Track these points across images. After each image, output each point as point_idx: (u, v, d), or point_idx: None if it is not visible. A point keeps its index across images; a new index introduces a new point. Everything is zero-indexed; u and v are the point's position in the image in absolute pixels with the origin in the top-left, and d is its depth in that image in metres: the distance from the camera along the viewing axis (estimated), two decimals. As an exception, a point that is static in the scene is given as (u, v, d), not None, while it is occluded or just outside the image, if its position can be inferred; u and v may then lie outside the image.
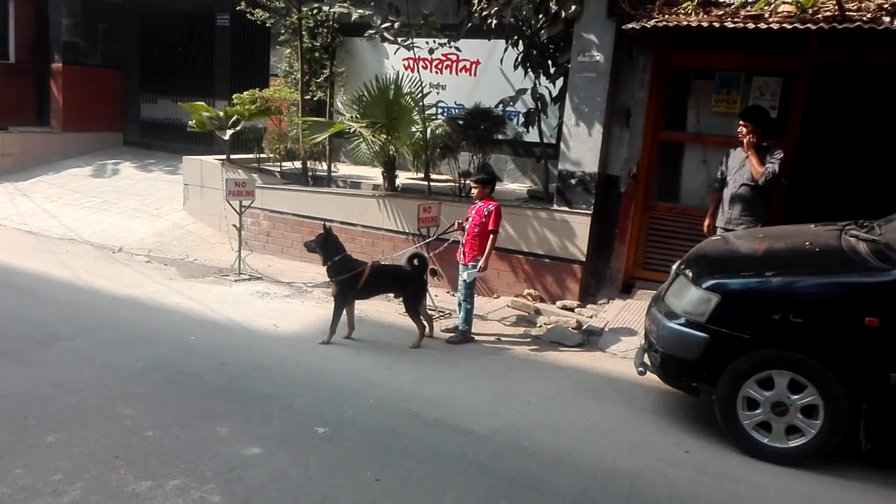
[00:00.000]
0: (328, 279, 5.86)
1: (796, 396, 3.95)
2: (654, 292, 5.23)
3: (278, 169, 9.51)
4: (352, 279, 5.72)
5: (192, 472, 3.63)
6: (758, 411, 4.07)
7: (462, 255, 6.05)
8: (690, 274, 4.46)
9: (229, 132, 9.36)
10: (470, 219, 6.03)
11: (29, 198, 10.93)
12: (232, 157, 9.68)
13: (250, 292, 7.12)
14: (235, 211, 7.85)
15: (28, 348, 5.19)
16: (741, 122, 5.85)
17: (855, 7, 5.87)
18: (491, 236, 5.89)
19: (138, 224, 9.61)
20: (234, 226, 7.90)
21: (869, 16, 5.69)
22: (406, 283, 5.87)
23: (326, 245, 5.81)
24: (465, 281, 5.96)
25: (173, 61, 13.39)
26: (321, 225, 6.25)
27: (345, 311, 5.79)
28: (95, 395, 4.48)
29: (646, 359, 4.66)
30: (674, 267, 4.89)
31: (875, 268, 3.94)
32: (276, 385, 4.82)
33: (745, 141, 5.75)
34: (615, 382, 5.20)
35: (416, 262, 5.91)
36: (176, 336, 5.66)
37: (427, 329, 5.93)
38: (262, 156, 9.93)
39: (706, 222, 6.18)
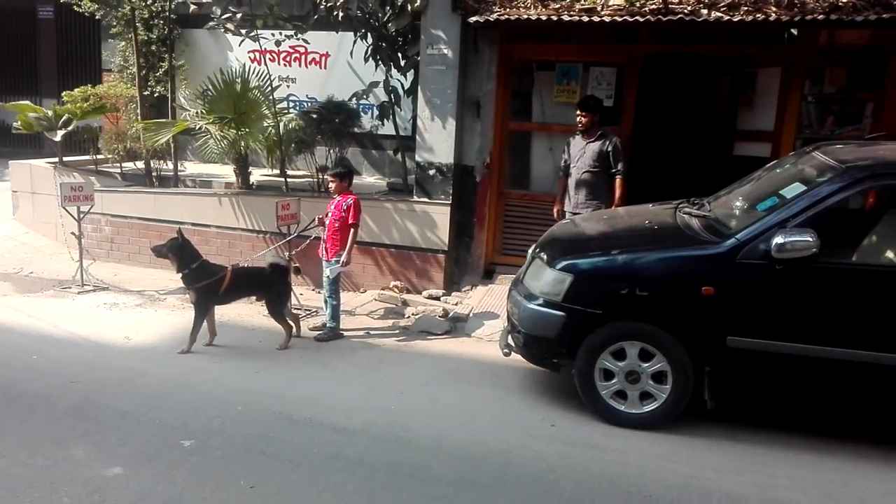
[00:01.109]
0: (185, 287, 5.57)
1: (647, 364, 4.25)
2: (514, 276, 5.43)
3: (119, 170, 8.90)
4: (212, 285, 5.48)
5: (48, 501, 3.37)
6: (613, 381, 4.33)
7: (325, 252, 5.97)
8: (545, 256, 4.66)
9: (60, 133, 8.63)
10: (329, 214, 5.95)
11: None
12: (66, 159, 8.94)
13: (96, 304, 6.61)
14: (73, 217, 7.24)
15: None
16: (578, 112, 6.23)
17: (678, 0, 6.37)
18: (352, 230, 5.85)
19: (-40, 237, 8.65)
20: (73, 233, 7.29)
21: (689, 8, 6.20)
22: (268, 285, 5.71)
23: (181, 251, 5.51)
24: (328, 277, 5.89)
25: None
26: (171, 228, 5.96)
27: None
28: (-78, 430, 4.01)
29: (510, 340, 4.82)
30: (529, 251, 5.10)
31: (707, 241, 4.30)
32: (133, 400, 4.52)
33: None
34: (483, 365, 5.35)
35: (276, 265, 5.77)
36: (16, 356, 5.17)
37: (294, 329, 5.81)
38: (99, 157, 9.24)
39: (556, 208, 6.49)
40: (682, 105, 8.52)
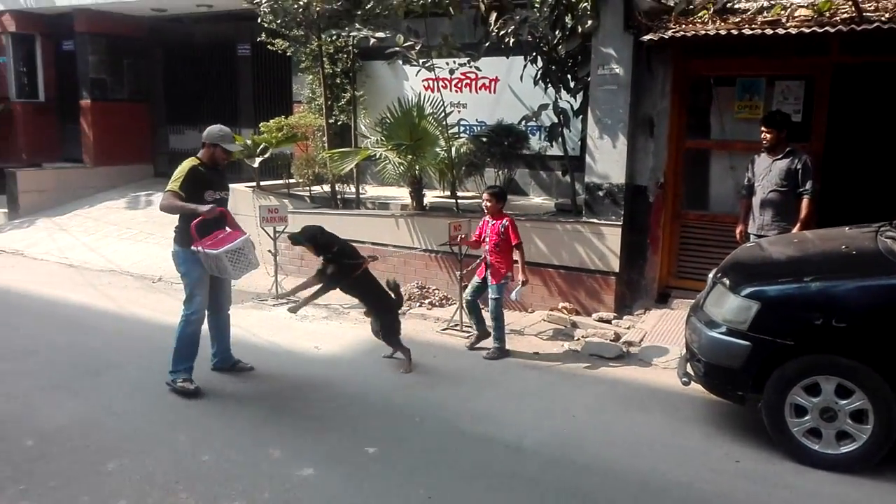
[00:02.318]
0: (324, 265, 5.63)
1: (844, 402, 3.91)
2: (691, 301, 5.22)
3: (308, 193, 9.61)
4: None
5: (250, 495, 3.70)
6: (806, 418, 4.03)
7: (489, 275, 5.95)
8: (728, 282, 4.45)
9: (258, 160, 9.48)
10: (486, 238, 5.97)
11: (67, 232, 11.13)
12: (262, 183, 9.81)
13: (289, 316, 7.17)
14: (269, 237, 7.95)
15: (80, 378, 5.29)
16: (763, 128, 5.88)
17: (872, 7, 5.86)
18: (519, 250, 5.91)
19: (174, 253, 9.74)
20: (269, 251, 8.00)
21: (888, 15, 5.68)
22: (388, 301, 5.75)
23: (315, 240, 5.68)
24: (496, 299, 5.92)
25: (198, 92, 13.62)
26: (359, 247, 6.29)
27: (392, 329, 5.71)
28: (150, 422, 4.57)
29: (688, 368, 4.64)
30: (710, 275, 4.88)
31: (916, 269, 3.91)
32: (322, 406, 4.87)
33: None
34: (658, 393, 5.18)
35: (397, 285, 5.94)
36: (222, 362, 5.74)
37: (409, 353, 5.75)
38: (290, 181, 10.04)
39: (738, 229, 6.16)
40: (881, 119, 7.78)
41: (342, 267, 5.58)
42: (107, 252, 9.95)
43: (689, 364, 4.65)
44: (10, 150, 13.91)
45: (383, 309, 5.73)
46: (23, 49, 13.92)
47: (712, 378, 4.40)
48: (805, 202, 5.73)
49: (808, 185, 5.71)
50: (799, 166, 5.73)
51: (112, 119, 13.56)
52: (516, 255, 5.94)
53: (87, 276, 8.88)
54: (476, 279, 6.13)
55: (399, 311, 5.87)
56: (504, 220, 5.95)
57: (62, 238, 10.81)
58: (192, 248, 4.85)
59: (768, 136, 5.83)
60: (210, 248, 4.77)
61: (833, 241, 4.81)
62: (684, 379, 4.62)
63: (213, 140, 5.17)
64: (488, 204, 6.01)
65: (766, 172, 5.87)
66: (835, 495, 3.76)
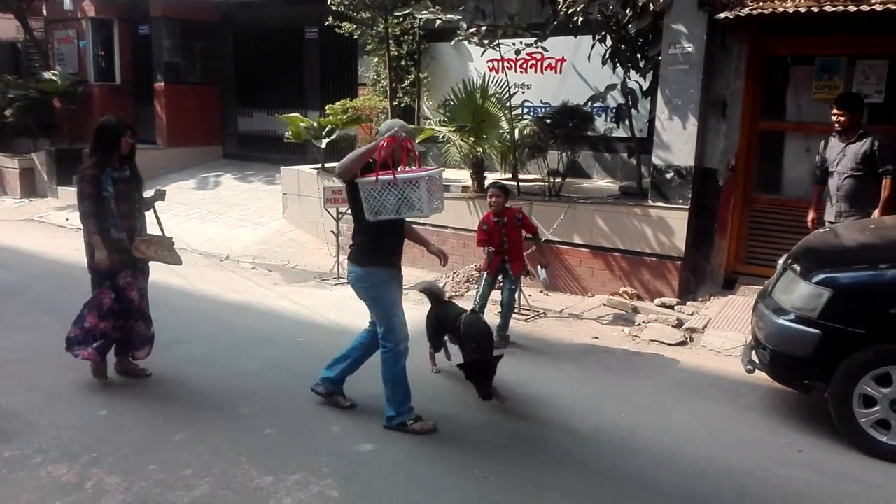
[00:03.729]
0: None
1: (917, 393, 3.79)
2: (759, 288, 5.10)
3: (372, 176, 9.76)
4: None
5: (310, 468, 3.83)
6: (875, 409, 3.92)
7: (508, 267, 5.87)
8: (799, 268, 4.34)
9: (325, 141, 9.69)
10: (504, 237, 5.80)
11: (140, 211, 11.64)
12: (326, 165, 10.03)
13: (350, 295, 7.18)
14: (333, 217, 8.15)
15: (152, 352, 5.56)
16: (835, 110, 5.67)
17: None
18: (536, 235, 6.03)
19: (242, 233, 10.09)
20: (332, 232, 8.20)
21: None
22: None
23: None
24: (514, 290, 5.96)
25: (267, 76, 13.96)
26: (419, 229, 6.33)
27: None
28: (216, 395, 4.78)
29: (753, 356, 4.55)
30: (780, 261, 4.77)
31: None
32: (378, 385, 4.93)
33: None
34: (720, 381, 5.10)
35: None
36: (285, 339, 5.95)
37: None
38: (353, 163, 10.20)
39: (810, 216, 5.96)
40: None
41: None
42: (177, 230, 10.19)
43: (754, 352, 4.56)
44: (88, 132, 14.54)
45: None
46: (101, 33, 14.54)
47: (778, 366, 4.32)
48: (885, 183, 5.49)
49: (888, 166, 5.48)
50: (874, 149, 5.50)
51: (184, 101, 14.06)
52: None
53: (159, 253, 9.29)
54: (487, 278, 5.95)
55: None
56: (517, 213, 5.88)
57: (137, 217, 11.31)
58: (368, 178, 4.02)
59: (842, 118, 5.61)
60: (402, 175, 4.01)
61: (913, 228, 4.62)
62: (749, 367, 4.54)
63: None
64: (498, 199, 5.74)
65: (840, 157, 5.65)
66: (905, 490, 3.65)
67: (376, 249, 4.27)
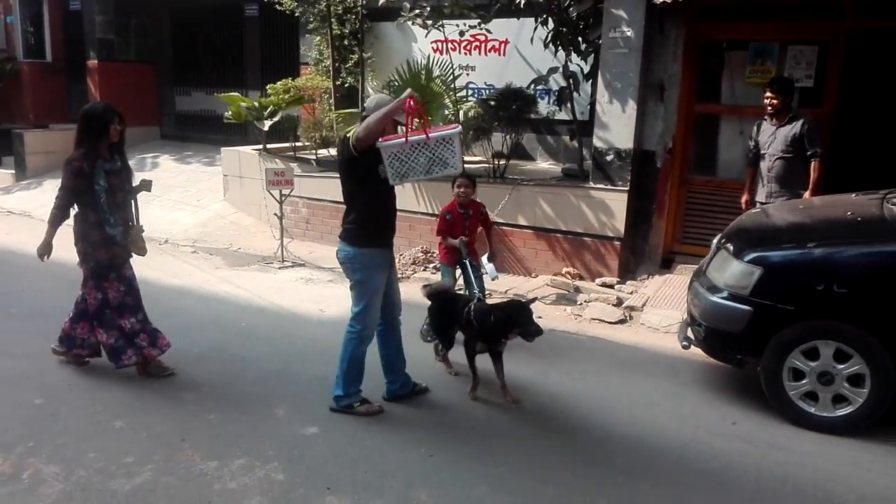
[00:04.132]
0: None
1: (842, 366, 3.98)
2: (695, 267, 5.27)
3: (314, 157, 9.64)
4: None
5: (255, 452, 3.80)
6: (804, 381, 4.10)
7: (467, 259, 5.51)
8: (732, 247, 4.49)
9: (268, 122, 9.49)
10: (467, 229, 5.50)
11: (74, 193, 11.23)
12: (268, 146, 9.85)
13: (294, 279, 7.29)
14: (276, 200, 8.03)
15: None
16: (768, 93, 5.85)
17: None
18: (490, 229, 5.71)
19: (182, 216, 9.85)
20: (276, 214, 8.08)
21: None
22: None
23: None
24: (483, 276, 5.52)
25: (205, 54, 13.59)
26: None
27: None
28: (157, 382, 4.68)
29: (689, 333, 4.71)
30: (714, 241, 4.93)
31: (919, 235, 3.93)
32: (327, 367, 4.91)
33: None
34: (658, 357, 5.27)
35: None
36: (228, 323, 5.86)
37: None
38: (297, 144, 10.07)
39: (743, 198, 6.16)
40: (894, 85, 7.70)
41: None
42: (115, 214, 10.06)
43: (689, 328, 4.72)
44: (17, 111, 13.99)
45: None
46: (30, 8, 13.90)
47: (712, 342, 4.47)
48: (814, 165, 5.71)
49: (817, 148, 5.69)
50: (803, 131, 5.70)
51: (119, 80, 13.53)
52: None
53: (95, 237, 9.00)
54: (447, 269, 5.62)
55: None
56: (481, 206, 5.62)
57: (70, 200, 10.92)
58: (394, 140, 3.91)
59: (774, 101, 5.80)
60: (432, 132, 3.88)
61: (838, 208, 4.83)
62: (684, 343, 4.70)
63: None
64: (467, 190, 5.40)
65: (772, 140, 5.85)
66: (828, 456, 3.85)
67: (378, 229, 4.16)
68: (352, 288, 4.29)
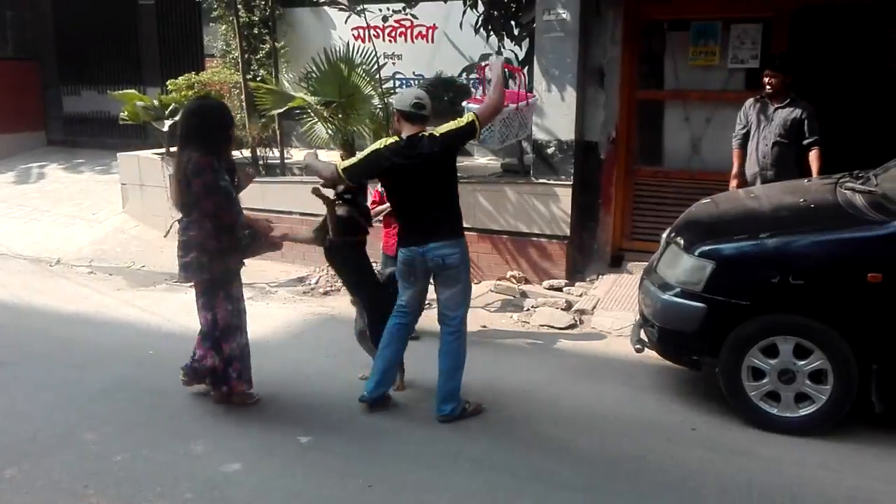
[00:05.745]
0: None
1: (803, 362, 4.12)
2: (646, 264, 5.39)
3: (225, 159, 9.45)
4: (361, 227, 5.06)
5: (170, 495, 3.69)
6: (764, 381, 4.22)
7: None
8: (682, 241, 4.61)
9: (168, 123, 9.25)
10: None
11: (-55, 211, 10.71)
12: (171, 149, 9.58)
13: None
14: (183, 210, 7.81)
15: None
16: (768, 72, 5.96)
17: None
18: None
19: (75, 232, 9.49)
20: (183, 226, 7.86)
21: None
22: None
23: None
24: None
25: (95, 48, 13.15)
26: (279, 218, 6.30)
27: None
28: (55, 423, 4.48)
29: (642, 335, 4.81)
30: (664, 235, 5.04)
31: (873, 221, 4.12)
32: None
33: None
34: (612, 362, 5.36)
35: None
36: (133, 352, 5.65)
37: None
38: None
39: (733, 183, 6.24)
40: (842, 64, 8.06)
41: (354, 221, 4.85)
42: (-6, 232, 9.64)
43: (642, 330, 4.82)
44: None
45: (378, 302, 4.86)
46: None
47: (666, 343, 4.58)
48: (814, 154, 5.87)
49: (816, 136, 5.84)
50: (803, 117, 5.85)
51: (-5, 80, 13.03)
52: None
53: (-28, 260, 8.60)
54: (389, 260, 5.66)
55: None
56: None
57: (-60, 218, 10.40)
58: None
59: (773, 80, 5.90)
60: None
61: (790, 195, 5.02)
62: (637, 346, 4.79)
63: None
64: None
65: (767, 122, 5.97)
66: (794, 459, 3.98)
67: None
68: (455, 287, 4.38)
